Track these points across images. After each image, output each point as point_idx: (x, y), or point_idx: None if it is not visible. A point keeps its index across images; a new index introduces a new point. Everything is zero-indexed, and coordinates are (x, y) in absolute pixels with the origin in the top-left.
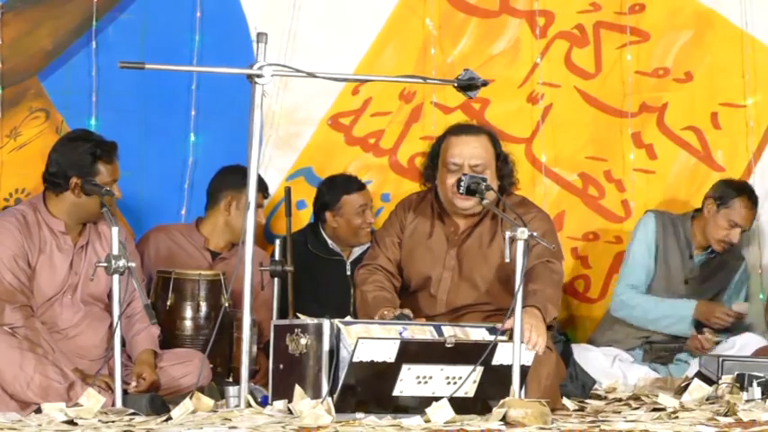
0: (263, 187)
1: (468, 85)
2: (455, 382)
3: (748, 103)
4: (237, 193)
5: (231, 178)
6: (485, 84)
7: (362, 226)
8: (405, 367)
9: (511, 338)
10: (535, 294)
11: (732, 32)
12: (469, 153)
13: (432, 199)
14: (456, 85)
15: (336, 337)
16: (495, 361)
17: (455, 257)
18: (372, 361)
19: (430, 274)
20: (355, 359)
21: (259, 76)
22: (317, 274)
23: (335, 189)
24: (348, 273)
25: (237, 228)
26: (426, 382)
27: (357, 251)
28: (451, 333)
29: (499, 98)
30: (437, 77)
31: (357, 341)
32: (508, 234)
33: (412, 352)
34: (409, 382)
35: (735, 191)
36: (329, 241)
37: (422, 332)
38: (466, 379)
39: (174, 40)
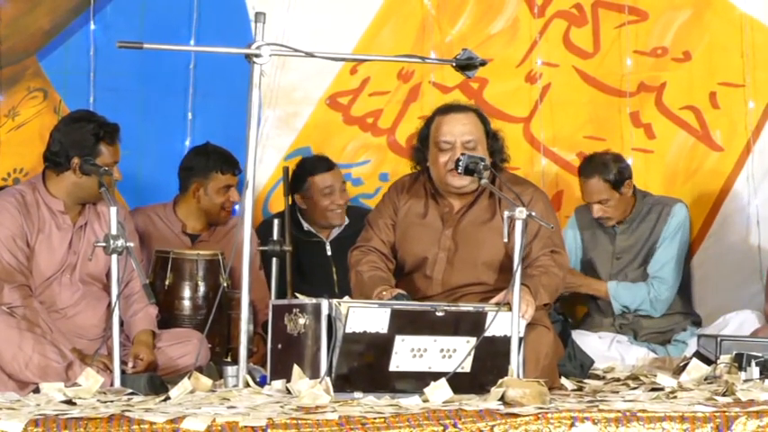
0: (233, 165)
1: (466, 65)
2: (450, 356)
3: (747, 83)
4: (203, 179)
5: (196, 163)
6: (483, 63)
7: (330, 207)
8: (398, 338)
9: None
10: (531, 278)
11: (731, 12)
12: (460, 130)
13: (425, 180)
14: (454, 64)
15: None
16: (490, 332)
17: (451, 237)
18: (365, 332)
19: (425, 255)
20: (348, 329)
21: (257, 55)
22: (299, 256)
23: (302, 171)
24: (329, 253)
25: (210, 211)
26: (421, 356)
27: (336, 231)
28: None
29: (497, 78)
30: (435, 57)
31: (348, 309)
32: (507, 214)
33: (404, 321)
34: (404, 355)
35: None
36: (304, 224)
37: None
38: (465, 358)
39: (172, 20)
